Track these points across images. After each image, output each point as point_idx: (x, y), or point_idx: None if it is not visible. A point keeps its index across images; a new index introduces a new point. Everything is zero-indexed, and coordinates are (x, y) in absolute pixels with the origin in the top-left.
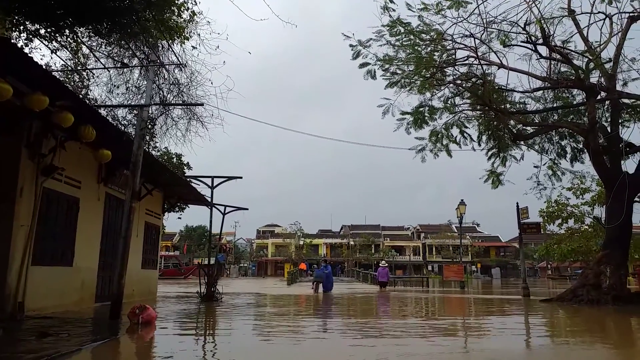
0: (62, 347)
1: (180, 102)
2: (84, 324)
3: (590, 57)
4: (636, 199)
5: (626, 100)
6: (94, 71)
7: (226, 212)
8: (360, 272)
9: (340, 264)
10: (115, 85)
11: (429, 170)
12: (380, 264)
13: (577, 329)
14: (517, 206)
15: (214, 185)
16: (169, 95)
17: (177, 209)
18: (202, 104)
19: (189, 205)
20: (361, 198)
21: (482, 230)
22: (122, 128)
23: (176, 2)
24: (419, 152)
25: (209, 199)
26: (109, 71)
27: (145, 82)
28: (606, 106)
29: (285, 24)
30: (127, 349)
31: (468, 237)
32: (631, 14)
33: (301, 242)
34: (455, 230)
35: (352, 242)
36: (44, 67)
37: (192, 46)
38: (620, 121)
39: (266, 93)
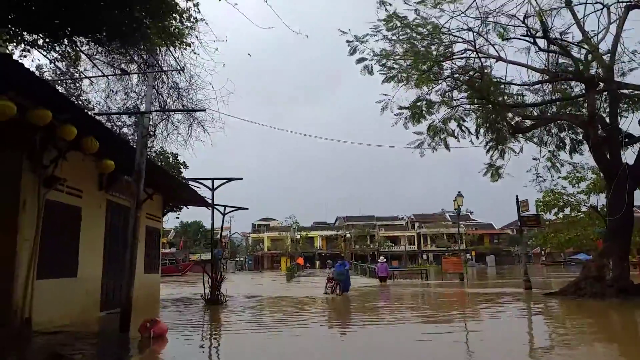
0: None
1: (181, 106)
2: (94, 340)
3: (589, 49)
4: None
5: (624, 91)
6: (93, 78)
7: (226, 212)
8: (358, 265)
9: (337, 255)
10: (113, 91)
11: (421, 159)
12: (378, 260)
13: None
14: (517, 199)
15: (215, 187)
16: (168, 100)
17: (175, 209)
18: (204, 110)
19: (189, 207)
20: (355, 189)
21: (476, 218)
22: (118, 130)
23: (178, 9)
24: (418, 147)
25: (209, 200)
26: (108, 78)
27: (144, 87)
28: (604, 97)
29: (296, 33)
30: None
31: (462, 225)
32: (628, 3)
33: (298, 236)
34: (450, 219)
35: (348, 235)
36: (44, 78)
37: (192, 51)
38: (618, 112)
39: (258, 85)
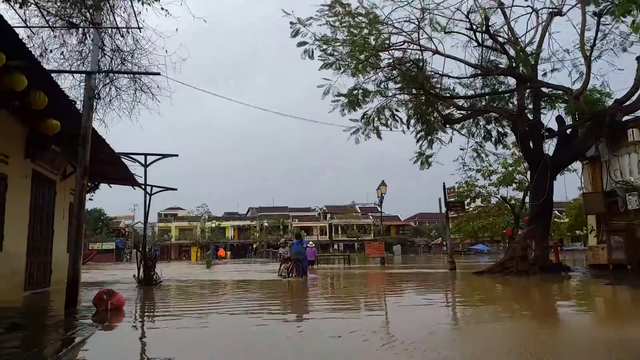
0: (57, 338)
1: (125, 70)
2: (43, 314)
3: (518, 49)
4: None
5: (545, 90)
6: (35, 29)
7: (153, 192)
8: (277, 252)
9: (250, 245)
10: (48, 50)
11: (332, 154)
12: (307, 245)
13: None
14: (444, 186)
15: (147, 163)
16: (112, 63)
17: (94, 187)
18: (158, 73)
19: (111, 186)
20: (267, 181)
21: (383, 210)
22: None
23: None
24: (354, 133)
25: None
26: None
27: (85, 48)
28: (527, 94)
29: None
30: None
31: (371, 216)
32: (551, 9)
33: (213, 225)
34: (359, 211)
35: (265, 224)
36: None
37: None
38: (539, 108)
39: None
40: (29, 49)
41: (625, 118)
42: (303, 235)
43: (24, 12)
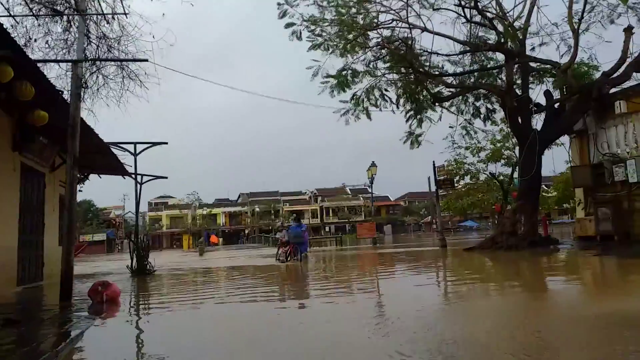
0: (53, 333)
1: (111, 57)
2: (37, 309)
3: (506, 24)
4: None
5: (533, 64)
6: (18, 17)
7: (143, 181)
8: (270, 237)
9: (241, 231)
10: (32, 39)
11: (322, 139)
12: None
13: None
14: (434, 164)
15: (137, 152)
16: (99, 50)
17: (83, 179)
18: (146, 60)
19: (101, 176)
20: (258, 167)
21: (373, 191)
22: None
23: None
24: (344, 115)
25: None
26: (24, 22)
27: (70, 37)
28: (516, 70)
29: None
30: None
31: (361, 197)
32: None
33: (204, 212)
34: (350, 193)
35: (257, 209)
36: None
37: None
38: (528, 84)
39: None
40: (14, 38)
41: (613, 90)
42: (295, 222)
43: (7, 1)
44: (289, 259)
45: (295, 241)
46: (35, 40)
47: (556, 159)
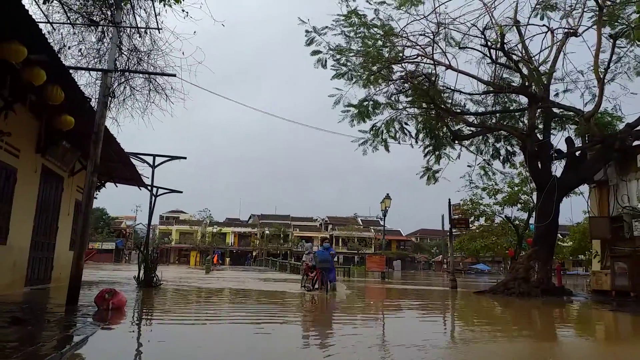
0: (59, 335)
1: (141, 70)
2: (44, 311)
3: (531, 67)
4: None
5: (555, 110)
6: (56, 25)
7: (158, 194)
8: (277, 261)
9: (249, 253)
10: (66, 46)
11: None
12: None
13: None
14: (449, 202)
15: (155, 164)
16: (128, 62)
17: (100, 186)
18: (174, 75)
19: (118, 185)
20: (271, 189)
21: (385, 224)
22: None
23: None
24: (362, 144)
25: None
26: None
27: (102, 47)
28: (538, 114)
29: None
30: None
31: (372, 229)
32: (567, 30)
33: (214, 230)
34: (361, 223)
35: (267, 232)
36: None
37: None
38: (550, 129)
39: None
40: (50, 44)
41: (636, 143)
42: (327, 243)
43: (47, 8)
44: (315, 285)
45: (322, 266)
46: (69, 48)
47: (574, 208)
